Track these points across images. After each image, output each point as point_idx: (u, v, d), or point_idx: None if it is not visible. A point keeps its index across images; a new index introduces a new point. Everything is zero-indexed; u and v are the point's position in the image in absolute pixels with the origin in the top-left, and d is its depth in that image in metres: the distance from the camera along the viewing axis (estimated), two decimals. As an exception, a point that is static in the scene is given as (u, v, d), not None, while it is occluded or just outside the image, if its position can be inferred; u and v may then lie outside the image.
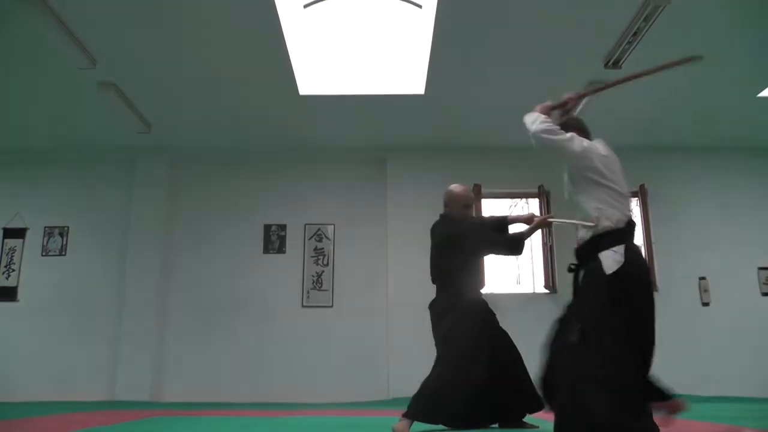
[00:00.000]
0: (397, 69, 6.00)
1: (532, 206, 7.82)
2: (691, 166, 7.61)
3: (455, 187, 3.58)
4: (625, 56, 5.42)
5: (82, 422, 4.17)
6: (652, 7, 4.64)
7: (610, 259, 2.47)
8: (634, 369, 2.40)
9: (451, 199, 3.54)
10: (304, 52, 5.65)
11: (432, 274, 3.53)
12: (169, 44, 5.42)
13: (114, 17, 4.98)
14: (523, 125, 2.78)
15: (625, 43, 5.22)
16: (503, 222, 3.59)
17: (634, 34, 5.04)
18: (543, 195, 7.49)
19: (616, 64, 5.57)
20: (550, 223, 3.41)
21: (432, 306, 3.46)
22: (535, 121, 2.75)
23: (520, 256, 3.63)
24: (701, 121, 6.95)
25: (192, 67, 5.82)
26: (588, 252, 2.59)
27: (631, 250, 2.50)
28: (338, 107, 6.62)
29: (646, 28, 4.94)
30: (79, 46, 5.27)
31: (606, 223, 2.54)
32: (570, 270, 2.69)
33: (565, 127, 2.81)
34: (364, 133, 7.34)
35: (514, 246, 3.34)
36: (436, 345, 3.38)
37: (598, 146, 2.73)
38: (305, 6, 4.98)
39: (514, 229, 3.60)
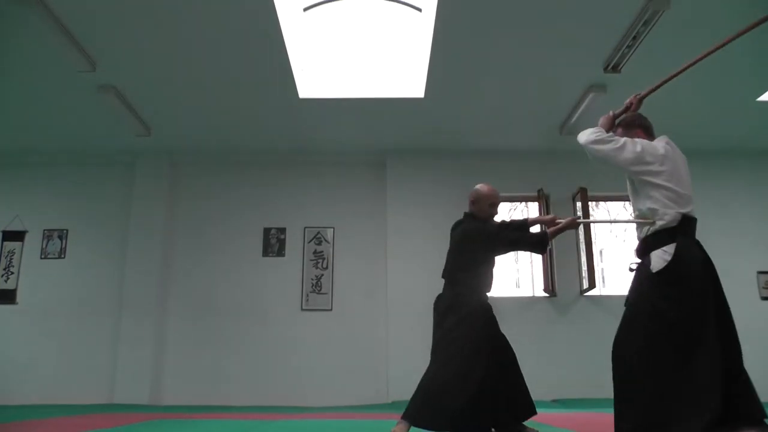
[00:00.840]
0: (397, 72, 6.00)
1: (531, 210, 7.82)
2: (690, 169, 7.57)
3: (482, 187, 3.58)
4: (625, 60, 5.43)
5: (80, 425, 4.16)
6: (652, 11, 4.66)
7: (658, 258, 2.51)
8: (685, 362, 2.41)
9: (478, 198, 3.54)
10: (304, 55, 5.66)
11: (444, 270, 3.54)
12: (168, 47, 5.42)
13: (114, 20, 4.99)
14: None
15: (624, 47, 5.23)
16: (524, 225, 3.61)
17: (634, 38, 5.06)
18: (542, 198, 7.49)
19: (615, 69, 5.58)
20: (579, 224, 3.40)
21: (437, 302, 3.46)
22: (585, 133, 2.77)
23: (541, 255, 3.63)
24: (701, 125, 6.94)
25: (192, 71, 5.83)
26: (642, 251, 2.64)
27: (682, 248, 2.50)
28: (338, 110, 6.62)
29: (646, 32, 4.95)
30: (78, 49, 5.28)
31: (659, 222, 2.56)
32: (631, 270, 2.73)
33: (628, 125, 2.83)
34: (363, 136, 7.35)
35: (538, 243, 3.36)
36: (435, 342, 3.36)
37: (658, 146, 2.71)
38: (305, 9, 4.99)
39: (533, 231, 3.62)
